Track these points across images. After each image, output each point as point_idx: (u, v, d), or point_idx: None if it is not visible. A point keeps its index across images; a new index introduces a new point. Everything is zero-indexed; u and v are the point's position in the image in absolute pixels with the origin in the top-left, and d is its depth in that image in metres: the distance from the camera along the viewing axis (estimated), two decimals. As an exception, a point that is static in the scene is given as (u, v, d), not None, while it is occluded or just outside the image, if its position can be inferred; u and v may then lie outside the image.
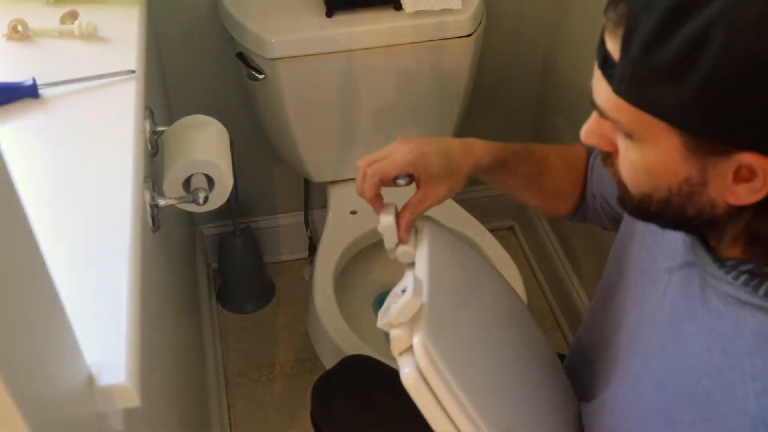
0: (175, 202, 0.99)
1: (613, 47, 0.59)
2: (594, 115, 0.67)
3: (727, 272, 0.64)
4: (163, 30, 1.51)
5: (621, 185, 0.67)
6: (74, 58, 0.98)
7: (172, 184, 1.01)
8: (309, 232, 1.89)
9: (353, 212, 1.54)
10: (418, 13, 1.39)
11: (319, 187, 1.70)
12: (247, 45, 1.39)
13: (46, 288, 0.51)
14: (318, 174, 1.60)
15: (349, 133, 1.53)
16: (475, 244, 1.45)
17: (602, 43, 0.61)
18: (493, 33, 1.62)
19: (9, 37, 1.01)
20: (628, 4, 0.58)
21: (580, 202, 1.00)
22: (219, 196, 1.04)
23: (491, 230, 1.48)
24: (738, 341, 0.63)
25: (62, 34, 1.03)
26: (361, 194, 0.89)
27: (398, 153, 0.88)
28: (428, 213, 0.92)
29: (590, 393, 0.87)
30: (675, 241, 0.74)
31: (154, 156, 1.05)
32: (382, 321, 0.74)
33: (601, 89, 0.62)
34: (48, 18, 1.05)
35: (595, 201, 0.98)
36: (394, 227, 0.87)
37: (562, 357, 1.05)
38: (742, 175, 0.57)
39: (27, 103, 0.88)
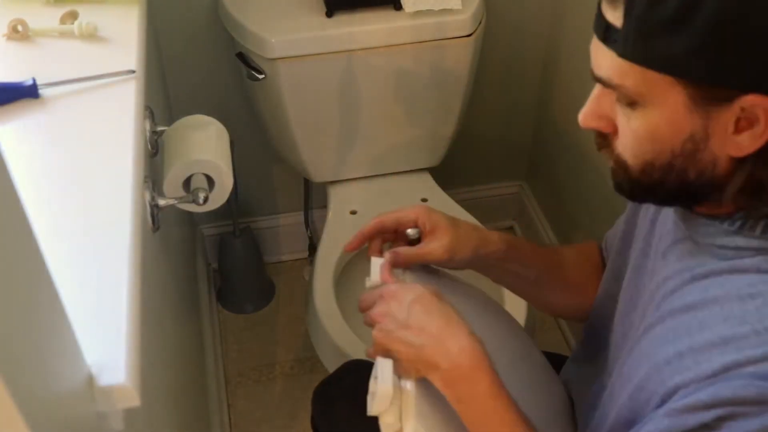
0: (175, 202, 0.99)
1: (615, 15, 0.61)
2: (591, 97, 0.68)
3: (722, 222, 0.66)
4: (163, 30, 1.51)
5: (619, 164, 0.69)
6: (74, 58, 0.98)
7: (172, 184, 1.01)
8: (309, 232, 1.89)
9: (353, 212, 1.54)
10: (418, 13, 1.39)
11: (319, 187, 1.70)
12: (247, 45, 1.39)
13: (46, 288, 0.51)
14: (318, 174, 1.60)
15: (349, 133, 1.53)
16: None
17: (601, 18, 0.63)
18: (493, 33, 1.62)
19: (9, 37, 1.01)
20: None
21: None
22: (219, 196, 1.04)
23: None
24: (737, 277, 0.64)
25: (62, 34, 1.03)
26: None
27: (407, 207, 0.90)
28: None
29: (595, 403, 0.87)
30: (665, 228, 0.76)
31: (154, 156, 1.05)
32: (368, 410, 0.74)
33: (603, 60, 0.64)
34: (48, 18, 1.04)
35: None
36: (378, 268, 0.85)
37: (562, 358, 1.06)
38: (743, 125, 0.60)
39: (27, 103, 0.88)
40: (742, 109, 0.59)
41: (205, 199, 1.00)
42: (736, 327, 0.62)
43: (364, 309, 0.81)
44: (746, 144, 0.61)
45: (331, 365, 1.36)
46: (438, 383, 0.73)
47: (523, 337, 1.00)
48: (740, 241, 0.65)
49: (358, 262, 1.51)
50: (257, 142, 1.70)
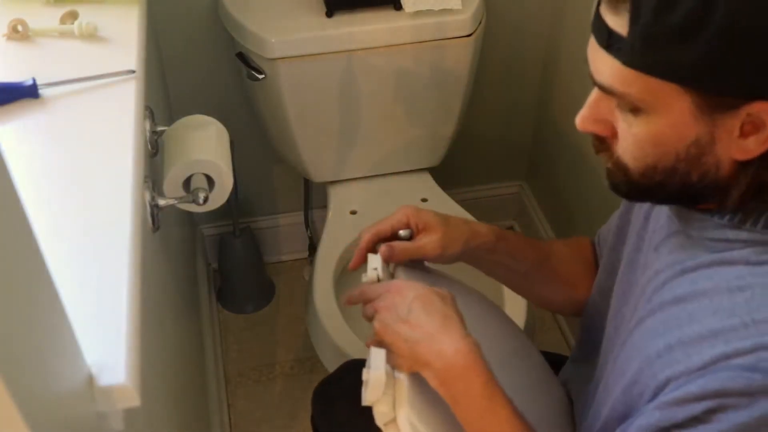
0: (175, 202, 0.99)
1: (618, 22, 0.61)
2: (589, 101, 0.68)
3: (713, 216, 0.67)
4: (163, 30, 1.51)
5: (618, 167, 0.68)
6: (74, 58, 0.98)
7: (172, 184, 1.01)
8: (309, 232, 1.89)
9: (353, 212, 1.54)
10: (418, 13, 1.39)
11: (319, 187, 1.70)
12: (247, 45, 1.39)
13: (46, 288, 0.51)
14: (318, 174, 1.60)
15: (349, 133, 1.53)
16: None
17: (600, 22, 0.62)
18: (493, 33, 1.62)
19: (9, 37, 1.01)
20: None
21: None
22: (219, 196, 1.04)
23: (491, 230, 1.48)
24: (726, 269, 0.65)
25: (62, 34, 1.03)
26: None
27: (396, 212, 0.91)
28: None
29: (589, 400, 0.87)
30: (659, 223, 0.76)
31: (154, 156, 1.05)
32: (363, 399, 0.75)
33: (605, 67, 0.63)
34: (48, 18, 1.04)
35: None
36: (378, 269, 0.86)
37: (562, 358, 1.06)
38: (748, 129, 0.60)
39: (27, 103, 0.88)
40: (749, 115, 0.59)
41: (205, 199, 1.00)
42: (725, 319, 0.62)
43: (366, 301, 0.81)
44: (752, 148, 0.61)
45: (331, 365, 1.36)
46: (432, 381, 0.74)
47: (519, 336, 1.00)
48: (730, 233, 0.66)
49: (358, 262, 1.51)
50: (257, 142, 1.70)
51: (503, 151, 1.91)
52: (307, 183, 1.79)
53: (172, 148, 1.03)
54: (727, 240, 0.66)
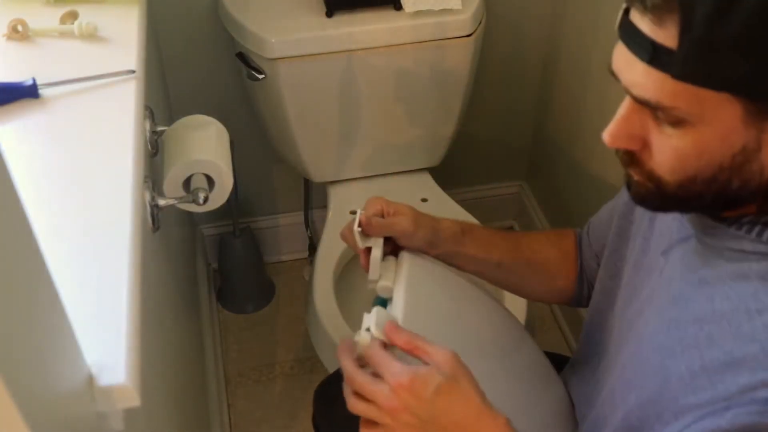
0: (175, 202, 0.99)
1: (664, 35, 0.58)
2: (620, 115, 0.65)
3: (729, 225, 0.65)
4: (163, 30, 1.51)
5: (651, 180, 0.66)
6: (74, 58, 0.98)
7: (172, 184, 1.01)
8: (309, 232, 1.89)
9: (353, 212, 1.53)
10: (418, 13, 1.39)
11: (319, 187, 1.70)
12: (247, 45, 1.39)
13: (46, 288, 0.51)
14: (318, 174, 1.60)
15: (349, 133, 1.53)
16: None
17: (638, 35, 0.60)
18: (493, 33, 1.62)
19: (9, 37, 1.01)
20: None
21: (579, 276, 1.00)
22: (219, 196, 1.04)
23: (491, 230, 1.48)
24: (742, 285, 0.63)
25: (62, 34, 1.03)
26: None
27: (366, 208, 0.96)
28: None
29: (592, 403, 0.87)
30: (666, 225, 0.75)
31: (154, 156, 1.05)
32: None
33: (648, 81, 0.60)
34: (48, 18, 1.04)
35: (595, 265, 0.97)
36: (379, 262, 0.89)
37: (562, 358, 1.05)
38: None
39: (27, 103, 0.88)
40: None
41: (205, 199, 1.00)
42: (746, 345, 0.61)
43: (357, 390, 0.71)
44: None
45: (331, 365, 1.36)
46: None
47: (520, 333, 1.00)
48: (747, 245, 0.64)
49: (359, 262, 1.51)
50: (257, 142, 1.70)
51: (503, 151, 1.91)
52: (307, 183, 1.79)
53: (172, 148, 1.03)
54: (743, 251, 0.65)
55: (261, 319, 1.86)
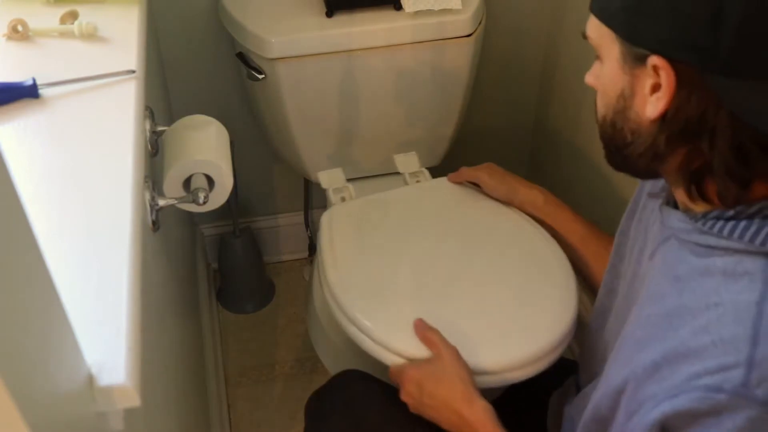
0: (175, 202, 0.99)
1: None
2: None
3: (697, 221, 0.68)
4: (163, 30, 1.51)
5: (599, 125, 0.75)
6: (74, 58, 0.98)
7: (172, 184, 1.01)
8: (309, 232, 1.89)
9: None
10: (418, 13, 1.39)
11: (319, 187, 1.70)
12: (247, 45, 1.39)
13: (46, 288, 0.51)
14: (318, 174, 1.60)
15: (349, 133, 1.53)
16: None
17: None
18: (493, 33, 1.62)
19: (9, 37, 1.01)
20: None
21: None
22: (219, 196, 1.04)
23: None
24: (707, 280, 0.66)
25: (62, 34, 1.03)
26: None
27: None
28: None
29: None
30: (654, 231, 0.78)
31: (154, 156, 1.05)
32: None
33: (591, 20, 0.70)
34: (48, 18, 1.05)
35: None
36: None
37: (565, 361, 1.06)
38: (656, 87, 0.64)
39: (27, 103, 0.88)
40: (654, 67, 0.63)
41: (205, 199, 1.00)
42: (700, 337, 0.63)
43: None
44: (654, 105, 0.64)
45: (331, 365, 1.36)
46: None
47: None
48: (712, 240, 0.66)
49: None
50: (257, 142, 1.70)
51: (503, 150, 1.90)
52: (307, 183, 1.79)
53: (172, 148, 1.03)
54: (709, 246, 0.67)
55: (261, 319, 1.86)
